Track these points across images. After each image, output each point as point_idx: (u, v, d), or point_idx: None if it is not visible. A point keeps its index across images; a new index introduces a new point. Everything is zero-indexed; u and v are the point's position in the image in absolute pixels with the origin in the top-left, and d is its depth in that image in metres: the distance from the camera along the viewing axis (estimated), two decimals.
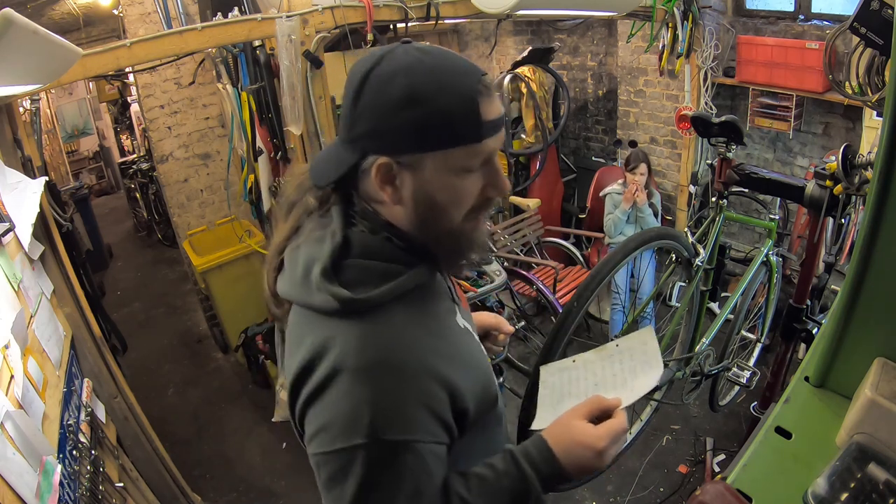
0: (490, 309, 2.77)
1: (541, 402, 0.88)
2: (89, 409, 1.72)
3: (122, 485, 1.74)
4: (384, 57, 0.69)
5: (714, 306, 2.48)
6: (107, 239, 6.04)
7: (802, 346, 2.18)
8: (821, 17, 3.03)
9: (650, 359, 0.88)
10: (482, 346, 0.89)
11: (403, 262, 0.74)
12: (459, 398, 0.72)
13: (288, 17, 1.87)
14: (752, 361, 2.29)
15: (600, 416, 0.78)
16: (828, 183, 1.59)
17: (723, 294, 2.36)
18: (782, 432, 1.06)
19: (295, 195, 0.81)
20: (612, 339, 1.68)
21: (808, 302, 1.92)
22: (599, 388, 0.86)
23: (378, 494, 0.67)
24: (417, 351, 0.71)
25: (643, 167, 3.27)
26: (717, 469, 2.52)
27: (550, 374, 0.95)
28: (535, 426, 0.84)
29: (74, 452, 1.48)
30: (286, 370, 0.76)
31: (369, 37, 1.99)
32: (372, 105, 0.68)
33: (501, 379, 2.92)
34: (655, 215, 3.39)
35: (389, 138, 0.68)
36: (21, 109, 2.69)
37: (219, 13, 2.01)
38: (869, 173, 1.48)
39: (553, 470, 0.75)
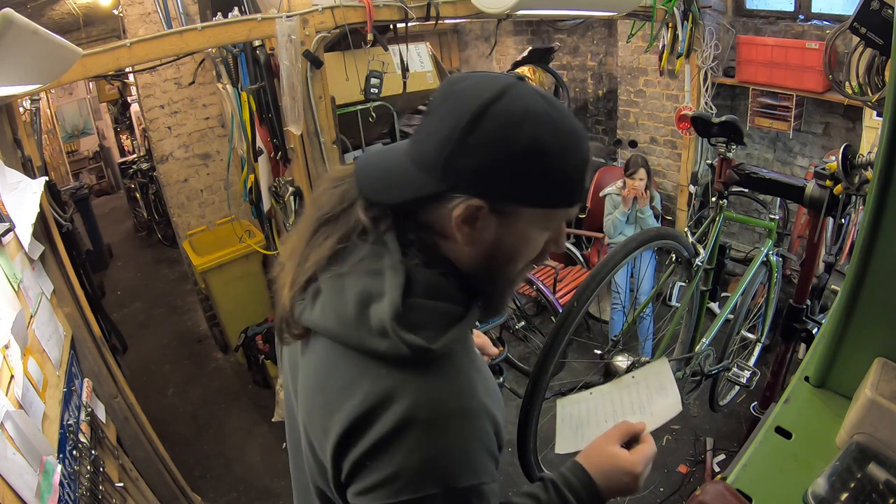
0: None
1: (560, 428, 0.88)
2: (89, 409, 1.72)
3: (122, 485, 1.74)
4: (507, 93, 0.62)
5: (714, 306, 2.48)
6: (107, 239, 6.04)
7: (802, 346, 2.18)
8: (821, 17, 3.03)
9: (665, 385, 0.87)
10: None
11: (462, 303, 0.69)
12: (500, 433, 0.71)
13: (288, 17, 1.87)
14: (752, 361, 2.29)
15: (629, 441, 0.79)
16: (828, 183, 1.59)
17: (723, 294, 2.36)
18: (782, 432, 1.06)
19: (336, 207, 0.70)
20: (611, 340, 1.68)
21: (808, 302, 1.92)
22: (618, 415, 0.86)
23: None
24: (478, 394, 0.68)
25: (642, 172, 3.27)
26: (717, 469, 2.52)
27: (569, 404, 0.94)
28: (558, 449, 0.85)
29: (74, 452, 1.48)
30: (318, 410, 0.69)
31: (369, 37, 1.99)
32: (489, 144, 0.61)
33: (501, 379, 2.92)
34: (656, 217, 3.39)
35: (495, 182, 0.63)
36: (21, 109, 2.69)
37: (219, 13, 2.01)
38: (869, 173, 1.48)
39: (592, 495, 0.75)
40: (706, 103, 3.37)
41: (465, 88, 0.64)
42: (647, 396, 0.87)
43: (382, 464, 0.65)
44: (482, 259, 0.69)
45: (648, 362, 1.61)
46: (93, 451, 1.58)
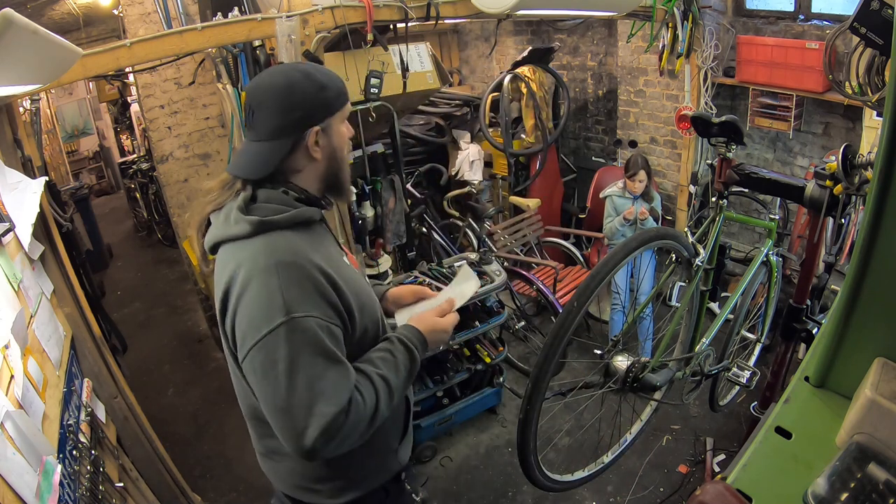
0: (490, 309, 2.77)
1: (398, 315, 1.25)
2: (89, 409, 1.72)
3: (122, 485, 1.74)
4: (279, 74, 1.06)
5: (714, 306, 2.48)
6: (107, 239, 6.04)
7: (802, 346, 2.18)
8: (821, 17, 3.03)
9: (468, 277, 1.28)
10: (367, 281, 1.22)
11: (293, 205, 1.04)
12: (342, 294, 1.00)
13: (288, 17, 1.87)
14: (752, 361, 2.28)
15: (442, 314, 1.18)
16: (828, 183, 1.59)
17: (723, 294, 2.36)
18: (782, 432, 1.06)
19: (223, 193, 1.09)
20: (611, 340, 1.68)
21: (808, 302, 1.92)
22: (438, 302, 1.24)
23: (304, 361, 0.92)
24: (306, 254, 0.98)
25: (642, 174, 3.26)
26: (717, 469, 2.52)
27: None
28: (397, 321, 1.19)
29: (74, 452, 1.48)
30: (216, 301, 1.01)
31: (369, 37, 1.99)
32: (298, 100, 1.03)
33: (501, 379, 2.93)
34: (656, 220, 3.39)
35: (313, 114, 1.04)
36: (21, 109, 2.69)
37: (219, 13, 2.01)
38: (869, 173, 1.48)
39: (421, 342, 1.11)
40: (706, 103, 3.37)
41: (269, 82, 1.03)
42: (458, 286, 1.27)
43: (243, 310, 0.95)
44: (327, 162, 1.08)
45: (648, 362, 1.61)
46: (93, 451, 1.58)
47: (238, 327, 0.96)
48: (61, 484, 1.29)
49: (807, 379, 1.15)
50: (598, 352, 1.63)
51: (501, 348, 2.83)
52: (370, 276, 2.46)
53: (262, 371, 0.93)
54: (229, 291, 0.97)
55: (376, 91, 2.21)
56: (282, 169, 1.05)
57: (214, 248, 1.06)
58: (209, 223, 1.09)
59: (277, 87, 1.01)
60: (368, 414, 0.98)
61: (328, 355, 0.95)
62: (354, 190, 2.36)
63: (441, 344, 1.18)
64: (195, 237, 1.11)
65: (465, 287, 1.26)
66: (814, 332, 1.89)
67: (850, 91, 2.64)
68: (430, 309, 1.19)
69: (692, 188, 3.63)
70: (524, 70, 4.00)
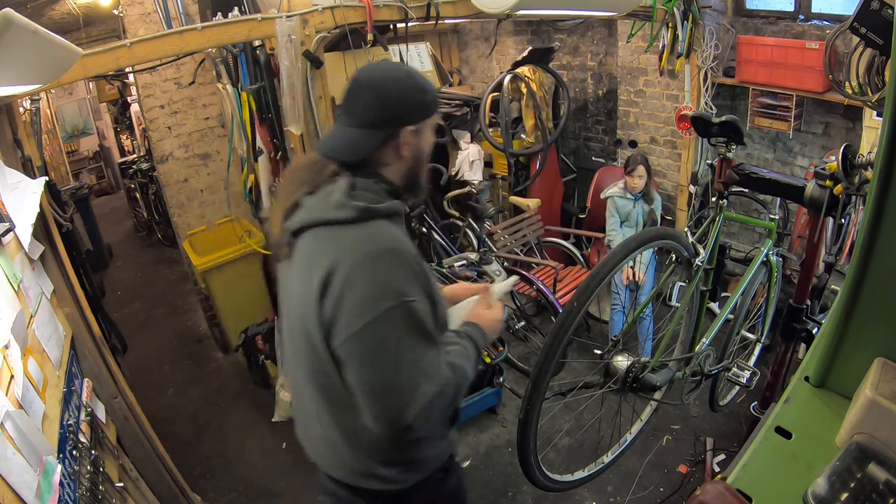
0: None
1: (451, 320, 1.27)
2: (89, 409, 1.72)
3: (122, 485, 1.74)
4: (388, 70, 1.12)
5: (714, 306, 2.48)
6: (107, 239, 6.04)
7: (802, 346, 2.18)
8: (821, 17, 3.03)
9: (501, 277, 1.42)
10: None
11: (386, 198, 1.09)
12: (431, 285, 1.08)
13: (288, 17, 1.87)
14: (752, 361, 2.28)
15: (488, 306, 1.26)
16: (828, 183, 1.59)
17: (723, 294, 2.36)
18: (782, 432, 1.06)
19: (312, 174, 1.11)
20: (611, 340, 1.68)
21: (808, 302, 1.92)
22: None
23: (411, 343, 1.00)
24: (406, 244, 1.05)
25: (641, 169, 3.26)
26: (717, 469, 2.52)
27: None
28: (452, 327, 1.21)
29: (74, 452, 1.48)
30: (304, 286, 1.03)
31: (369, 37, 1.99)
32: (399, 99, 1.09)
33: (501, 379, 2.93)
34: (655, 223, 3.39)
35: (410, 114, 1.10)
36: (21, 109, 2.70)
37: (219, 13, 2.01)
38: (869, 173, 1.48)
39: (483, 336, 1.19)
40: (706, 103, 3.37)
41: (372, 77, 1.09)
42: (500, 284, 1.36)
43: (352, 295, 0.98)
44: (411, 163, 1.13)
45: (648, 361, 1.61)
46: (93, 451, 1.58)
47: (344, 310, 0.98)
48: (61, 484, 1.29)
49: (807, 379, 1.15)
50: (598, 352, 1.63)
51: (501, 348, 2.83)
52: None
53: (370, 352, 0.98)
54: (332, 275, 0.98)
55: None
56: (371, 159, 1.09)
57: (300, 231, 1.07)
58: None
59: (384, 80, 1.07)
60: (451, 398, 1.05)
61: (430, 338, 1.03)
62: None
63: (497, 333, 1.29)
64: (278, 217, 1.11)
65: (501, 283, 1.37)
66: (814, 332, 1.88)
67: (850, 91, 2.64)
68: (478, 302, 1.27)
69: (692, 188, 3.63)
70: (524, 70, 4.00)
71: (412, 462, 1.18)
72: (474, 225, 3.53)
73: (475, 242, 3.44)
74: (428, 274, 1.07)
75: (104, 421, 1.88)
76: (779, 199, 2.78)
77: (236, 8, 2.08)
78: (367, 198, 1.04)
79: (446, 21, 2.37)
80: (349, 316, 0.98)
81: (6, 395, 1.24)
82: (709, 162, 2.16)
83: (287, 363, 1.27)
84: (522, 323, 3.42)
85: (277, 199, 1.16)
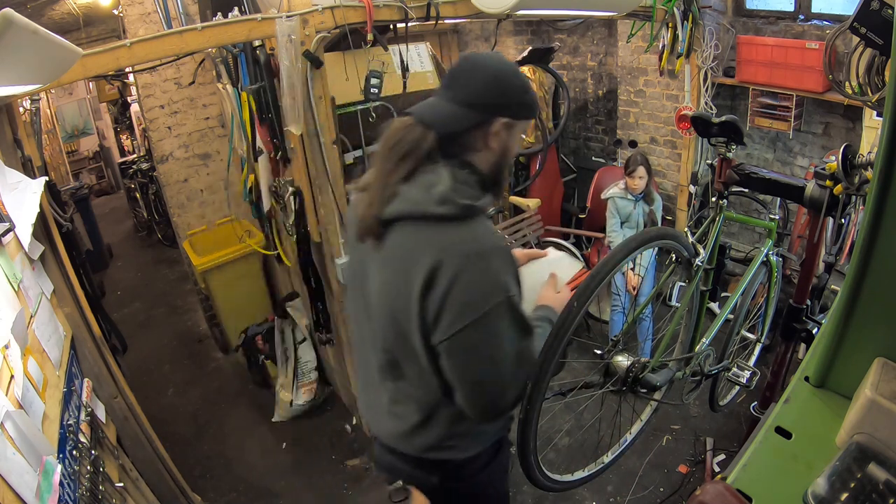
0: None
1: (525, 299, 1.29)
2: (89, 409, 1.72)
3: (122, 485, 1.74)
4: (503, 63, 1.14)
5: (714, 306, 2.48)
6: (107, 239, 6.04)
7: (802, 346, 2.18)
8: (821, 17, 3.03)
9: (570, 257, 1.49)
10: None
11: (481, 190, 1.10)
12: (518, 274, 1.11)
13: (288, 17, 1.87)
14: (752, 361, 2.28)
15: (557, 288, 1.36)
16: (828, 183, 1.59)
17: (723, 294, 2.36)
18: (782, 432, 1.06)
19: (408, 146, 1.07)
20: (611, 340, 1.68)
21: (808, 302, 1.92)
22: (549, 261, 1.45)
23: (515, 335, 1.07)
24: (502, 239, 1.10)
25: (642, 170, 3.26)
26: (717, 469, 2.52)
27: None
28: (528, 310, 1.25)
29: (74, 452, 1.48)
30: (400, 278, 1.04)
31: (369, 37, 1.98)
32: (505, 90, 1.10)
33: None
34: (655, 223, 3.39)
35: (509, 108, 1.11)
36: (21, 109, 2.69)
37: (219, 13, 2.01)
38: (869, 173, 1.48)
39: (556, 317, 1.25)
40: (706, 103, 3.37)
41: (480, 62, 1.11)
42: (559, 264, 1.46)
43: (459, 290, 1.00)
44: (497, 157, 1.14)
45: (648, 362, 1.61)
46: (93, 451, 1.58)
47: (449, 308, 1.00)
48: (61, 484, 1.29)
49: (807, 379, 1.15)
50: (598, 352, 1.63)
51: None
52: None
53: (475, 348, 1.03)
54: (437, 273, 1.00)
55: (376, 91, 2.21)
56: (462, 141, 1.10)
57: (391, 221, 1.05)
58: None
59: (493, 67, 1.10)
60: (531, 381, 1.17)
61: (527, 329, 1.12)
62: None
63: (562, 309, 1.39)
64: (375, 203, 1.07)
65: (566, 264, 1.45)
66: (814, 332, 1.88)
67: (850, 91, 2.63)
68: (547, 285, 1.36)
69: (692, 188, 3.63)
70: (524, 70, 4.00)
71: (479, 434, 1.25)
72: None
73: None
74: (516, 269, 1.10)
75: (104, 421, 1.88)
76: (779, 199, 2.78)
77: (236, 8, 2.08)
78: (469, 194, 1.05)
79: (446, 21, 2.37)
80: (455, 314, 1.00)
81: (6, 395, 1.24)
82: (709, 162, 2.16)
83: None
84: None
85: (374, 167, 1.12)
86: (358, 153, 2.43)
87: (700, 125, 1.75)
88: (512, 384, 1.09)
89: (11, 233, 1.50)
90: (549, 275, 1.39)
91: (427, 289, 1.01)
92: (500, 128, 1.09)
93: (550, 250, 1.52)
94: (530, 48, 3.94)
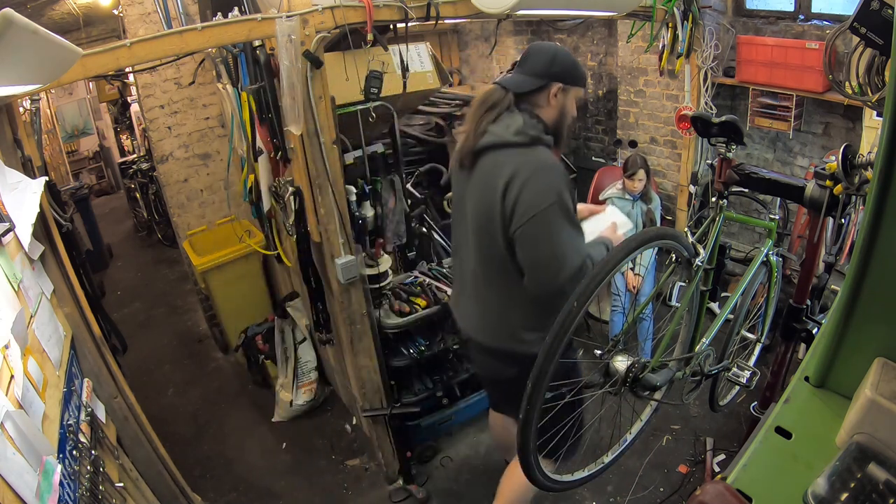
0: None
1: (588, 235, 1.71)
2: (89, 409, 1.72)
3: (122, 485, 1.74)
4: (557, 47, 1.68)
5: (714, 306, 2.48)
6: (107, 239, 6.04)
7: (802, 346, 2.18)
8: (821, 17, 3.03)
9: (623, 215, 1.92)
10: None
11: (542, 131, 1.58)
12: (573, 196, 1.54)
13: (288, 17, 1.87)
14: (752, 361, 2.28)
15: (614, 232, 1.78)
16: (828, 183, 1.59)
17: (723, 294, 2.36)
18: (782, 432, 1.06)
19: (496, 100, 1.57)
20: (611, 340, 1.68)
21: (808, 302, 1.92)
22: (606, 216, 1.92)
23: (567, 224, 1.49)
24: (560, 164, 1.56)
25: (641, 173, 3.26)
26: (717, 469, 2.52)
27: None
28: (587, 240, 1.65)
29: (74, 452, 1.48)
30: (488, 189, 1.54)
31: (369, 37, 1.98)
32: (561, 63, 1.60)
33: None
34: (653, 223, 3.39)
35: (564, 77, 1.60)
36: (21, 109, 2.69)
37: (219, 13, 2.01)
38: (869, 173, 1.48)
39: (611, 245, 1.65)
40: (706, 103, 3.37)
41: (543, 47, 1.65)
42: (617, 218, 1.89)
43: (528, 192, 1.46)
44: (557, 117, 1.62)
45: (648, 362, 1.61)
46: (93, 451, 1.58)
47: (520, 205, 1.46)
48: (61, 484, 1.29)
49: (807, 379, 1.15)
50: (598, 352, 1.63)
51: None
52: (370, 277, 2.46)
53: (537, 234, 1.46)
54: (512, 181, 1.47)
55: (376, 91, 2.21)
56: (530, 97, 1.59)
57: (485, 150, 1.56)
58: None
59: (551, 49, 1.63)
60: (586, 271, 1.47)
61: (576, 226, 1.53)
62: (354, 190, 2.35)
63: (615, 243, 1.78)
64: (471, 138, 1.58)
65: (621, 220, 1.86)
66: (814, 332, 1.88)
67: (850, 91, 2.63)
68: (609, 228, 1.80)
69: (692, 188, 3.63)
70: None
71: (546, 328, 1.42)
72: None
73: None
74: (571, 187, 1.53)
75: (104, 421, 1.88)
76: (779, 199, 2.78)
77: (236, 8, 2.08)
78: (537, 130, 1.53)
79: (446, 21, 2.37)
80: (524, 209, 1.46)
81: (6, 395, 1.24)
82: (709, 162, 2.16)
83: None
84: None
85: (468, 119, 1.62)
86: (358, 153, 2.42)
87: (700, 125, 1.75)
88: (564, 265, 1.46)
89: (11, 233, 1.50)
90: (610, 222, 1.82)
91: (505, 192, 1.47)
92: (557, 90, 1.59)
93: (608, 206, 1.98)
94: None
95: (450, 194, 3.89)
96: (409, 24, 2.08)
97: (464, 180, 1.64)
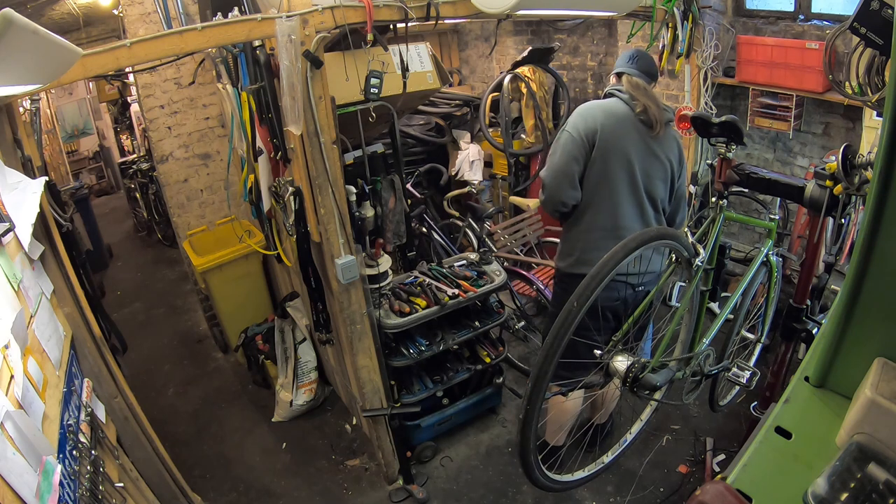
0: (490, 308, 2.77)
1: None
2: (89, 409, 1.72)
3: (122, 485, 1.74)
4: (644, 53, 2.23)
5: (714, 306, 2.48)
6: (107, 239, 6.05)
7: (802, 346, 2.18)
8: (821, 17, 3.03)
9: None
10: None
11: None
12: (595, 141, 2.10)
13: (288, 17, 1.87)
14: (752, 361, 2.28)
15: None
16: (828, 183, 1.59)
17: (723, 294, 2.36)
18: (782, 432, 1.06)
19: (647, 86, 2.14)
20: (611, 340, 1.68)
21: (808, 302, 1.92)
22: None
23: (563, 146, 2.15)
24: (592, 111, 2.19)
25: None
26: (717, 469, 2.52)
27: None
28: None
29: (74, 452, 1.48)
30: (664, 150, 2.12)
31: (369, 37, 1.98)
32: (651, 65, 2.19)
33: (501, 379, 2.92)
34: None
35: (652, 73, 2.18)
36: (21, 109, 2.69)
37: (219, 13, 2.01)
38: (869, 173, 1.48)
39: None
40: (706, 103, 3.37)
41: (642, 54, 2.18)
42: None
43: (682, 157, 2.22)
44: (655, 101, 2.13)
45: (648, 362, 1.61)
46: (93, 451, 1.58)
47: (682, 162, 2.19)
48: (61, 484, 1.29)
49: (807, 379, 1.15)
50: (598, 352, 1.63)
51: (501, 348, 2.83)
52: (370, 277, 2.46)
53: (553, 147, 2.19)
54: (681, 150, 2.17)
55: (376, 91, 2.21)
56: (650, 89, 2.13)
57: (669, 122, 2.10)
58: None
59: (651, 58, 2.18)
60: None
61: (570, 156, 2.15)
62: (354, 190, 2.35)
63: None
64: (657, 109, 2.05)
65: None
66: (814, 332, 1.89)
67: (850, 91, 2.64)
68: None
69: (692, 188, 3.63)
70: (524, 70, 4.00)
71: (575, 257, 2.21)
72: (474, 225, 3.53)
73: (475, 242, 3.44)
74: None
75: (104, 421, 1.88)
76: (779, 199, 2.78)
77: (236, 8, 2.08)
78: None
79: (446, 21, 2.37)
80: (682, 164, 2.19)
81: (6, 395, 1.24)
82: (709, 162, 2.16)
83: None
84: (522, 323, 3.42)
85: (644, 94, 2.07)
86: (358, 153, 2.42)
87: (700, 125, 1.76)
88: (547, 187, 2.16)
89: (11, 233, 1.50)
90: None
91: (680, 158, 2.18)
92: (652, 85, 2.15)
93: None
94: (530, 48, 3.94)
95: (450, 194, 3.90)
96: (409, 24, 2.08)
97: (645, 140, 2.06)
